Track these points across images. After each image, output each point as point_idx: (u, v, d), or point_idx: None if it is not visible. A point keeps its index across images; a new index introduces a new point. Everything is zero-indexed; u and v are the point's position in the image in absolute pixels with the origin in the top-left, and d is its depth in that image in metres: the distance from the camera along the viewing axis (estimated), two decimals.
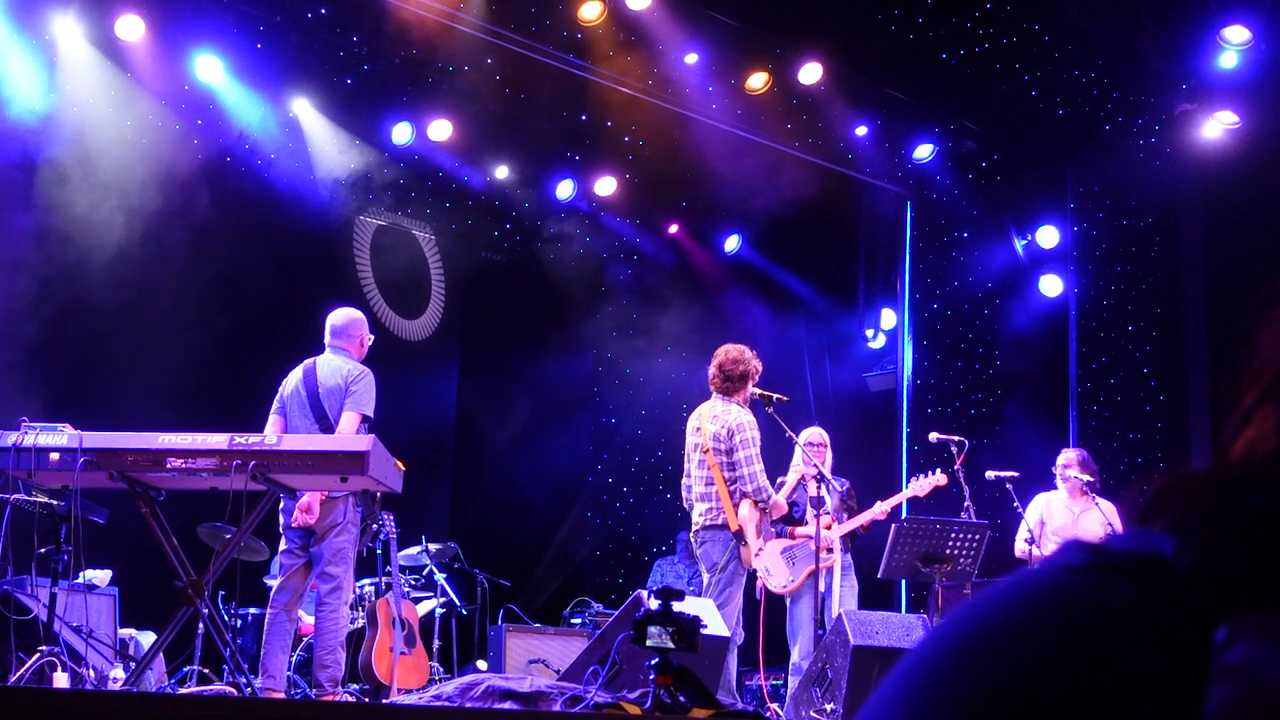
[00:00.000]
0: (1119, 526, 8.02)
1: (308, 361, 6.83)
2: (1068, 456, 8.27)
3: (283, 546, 6.68)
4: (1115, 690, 0.59)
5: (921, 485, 8.28)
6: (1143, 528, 0.66)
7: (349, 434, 6.37)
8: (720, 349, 7.46)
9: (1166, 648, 0.60)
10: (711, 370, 7.42)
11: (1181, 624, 0.61)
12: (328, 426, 6.56)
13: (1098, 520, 8.10)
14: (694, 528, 7.35)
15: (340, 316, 6.96)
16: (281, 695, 6.46)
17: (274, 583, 8.66)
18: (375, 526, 6.88)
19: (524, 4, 9.55)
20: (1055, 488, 8.24)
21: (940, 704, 0.63)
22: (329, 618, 6.53)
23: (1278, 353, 0.69)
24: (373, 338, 7.03)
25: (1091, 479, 8.10)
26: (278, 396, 6.83)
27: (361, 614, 7.67)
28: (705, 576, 7.25)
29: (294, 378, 6.79)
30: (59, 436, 5.39)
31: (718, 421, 7.25)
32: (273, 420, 6.73)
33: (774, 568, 7.94)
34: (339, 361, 6.75)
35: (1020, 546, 8.18)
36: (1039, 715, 0.60)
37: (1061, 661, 0.61)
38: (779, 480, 8.06)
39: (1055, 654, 0.61)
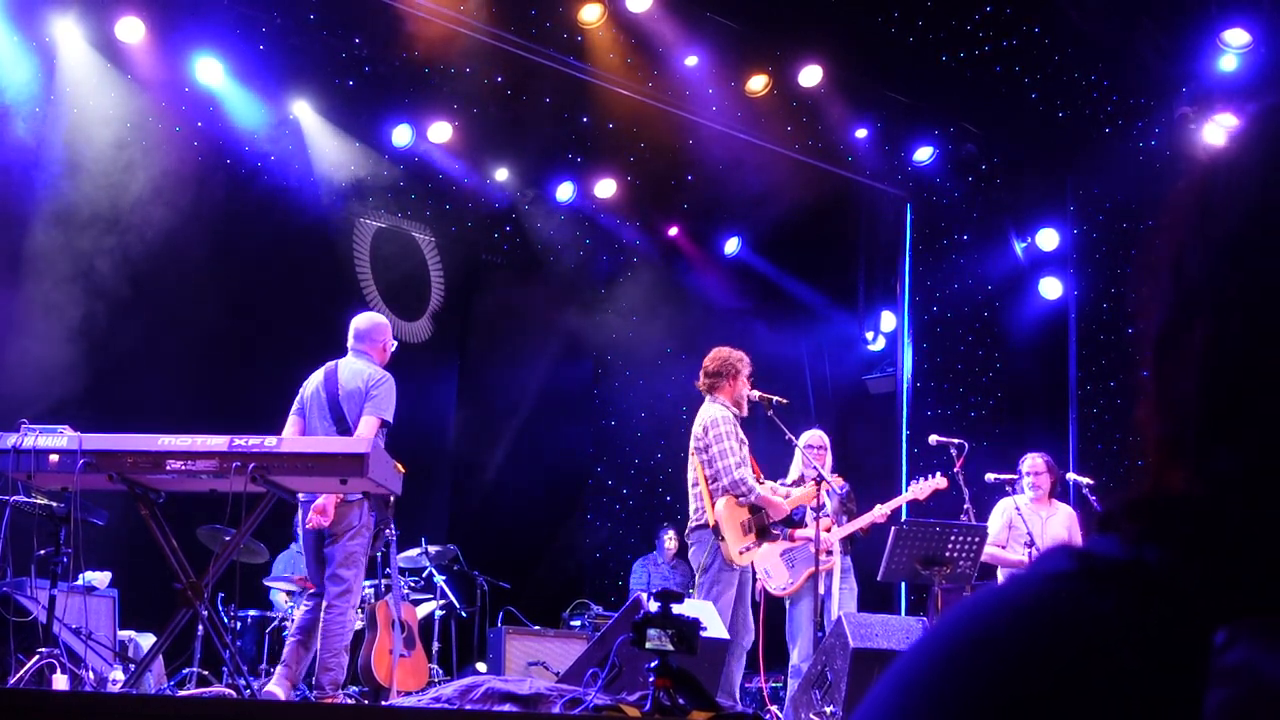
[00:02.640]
0: (1077, 532, 8.06)
1: (330, 364, 6.82)
2: (1035, 463, 8.27)
3: (295, 549, 6.71)
4: (1102, 693, 0.60)
5: (921, 488, 8.27)
6: (1127, 534, 0.67)
7: (367, 438, 6.32)
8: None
9: (1153, 652, 0.61)
10: (700, 374, 7.48)
11: (1168, 628, 0.61)
12: (345, 429, 6.53)
13: (1062, 524, 8.12)
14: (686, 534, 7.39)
15: (365, 320, 6.97)
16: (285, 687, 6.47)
17: (274, 584, 8.68)
18: (387, 532, 6.88)
19: (524, 6, 9.56)
20: (1018, 492, 8.23)
21: (931, 706, 0.63)
22: (335, 620, 6.53)
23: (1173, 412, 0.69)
24: (395, 344, 6.99)
25: (1053, 483, 8.16)
26: (298, 398, 6.82)
27: (361, 616, 7.67)
28: (697, 578, 7.26)
29: (315, 380, 6.78)
30: (58, 438, 5.38)
31: (698, 420, 7.30)
32: (292, 421, 6.73)
33: (773, 570, 7.93)
34: (360, 365, 6.74)
35: (990, 551, 8.09)
36: (1027, 717, 0.60)
37: (1049, 665, 0.61)
38: (780, 480, 8.05)
39: (1042, 658, 0.62)
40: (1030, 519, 8.03)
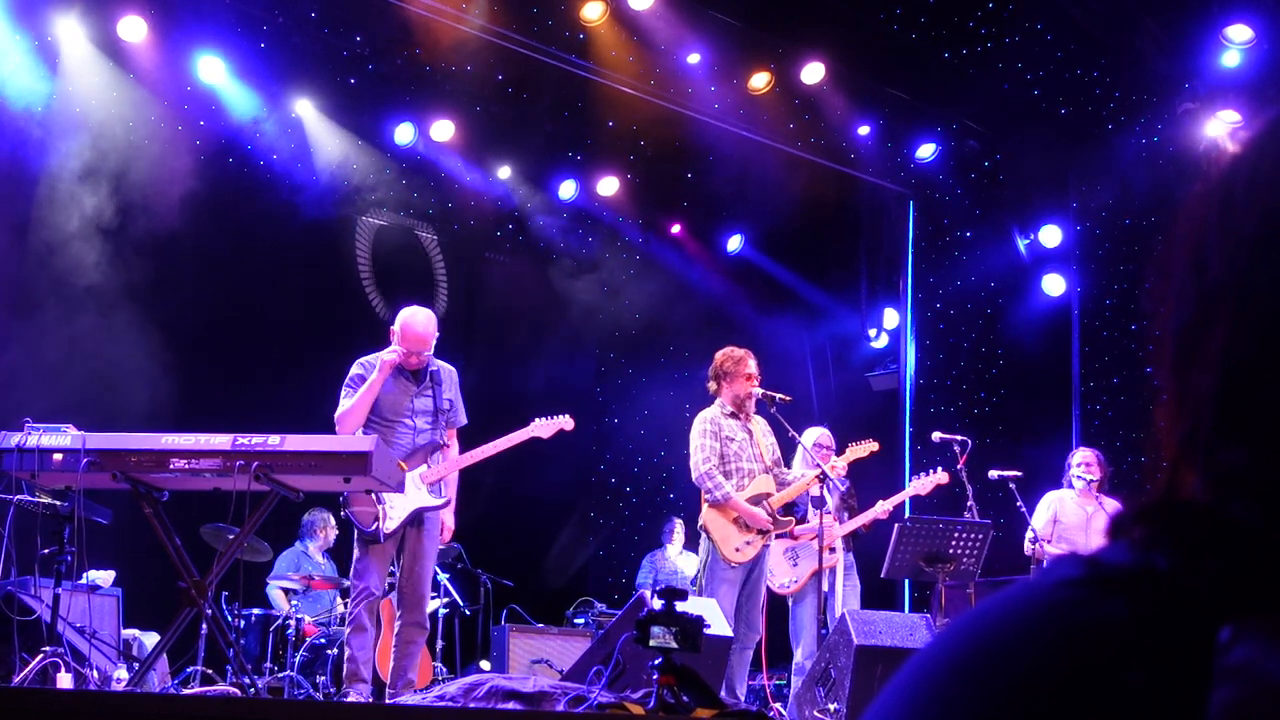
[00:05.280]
0: None
1: None
2: (1085, 456, 8.22)
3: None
4: (1111, 703, 0.60)
5: (923, 484, 8.28)
6: (1136, 539, 0.67)
7: (345, 435, 6.43)
8: None
9: (1162, 662, 0.60)
10: None
11: (1178, 638, 0.61)
12: None
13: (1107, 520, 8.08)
14: None
15: None
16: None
17: (275, 582, 8.68)
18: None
19: (526, 4, 9.55)
20: (1062, 486, 8.22)
21: (940, 714, 0.63)
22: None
23: (1191, 409, 0.69)
24: (400, 334, 6.64)
25: (1102, 478, 8.10)
26: None
27: None
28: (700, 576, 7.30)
29: None
30: (62, 437, 5.39)
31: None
32: None
33: (776, 568, 7.93)
34: None
35: (1030, 546, 8.14)
36: None
37: (1056, 675, 0.61)
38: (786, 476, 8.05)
39: (1052, 669, 0.62)
40: (1073, 513, 8.03)
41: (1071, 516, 8.05)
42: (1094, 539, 7.86)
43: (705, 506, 7.22)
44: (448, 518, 6.81)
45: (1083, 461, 8.15)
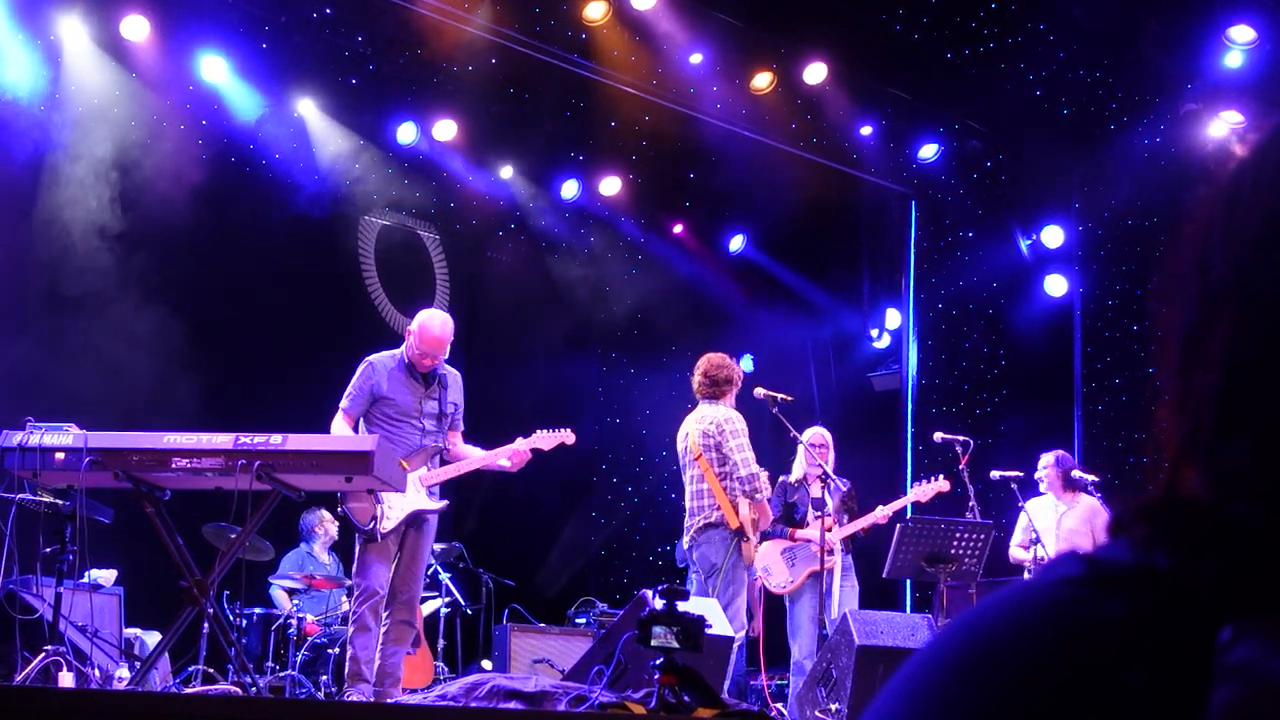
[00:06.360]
0: (1098, 524, 8.07)
1: None
2: (1045, 460, 8.36)
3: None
4: (1112, 704, 0.60)
5: (923, 491, 8.29)
6: (1137, 538, 0.66)
7: (344, 433, 6.44)
8: (701, 359, 7.50)
9: (1163, 662, 0.60)
10: (696, 379, 7.45)
11: (1179, 637, 0.61)
12: None
13: (1079, 518, 8.14)
14: (686, 537, 7.34)
15: None
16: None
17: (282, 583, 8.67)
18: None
19: (529, 4, 9.56)
20: (1039, 493, 8.33)
21: (940, 713, 0.63)
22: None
23: (1192, 409, 0.69)
24: (416, 334, 6.73)
25: (1070, 475, 8.20)
26: None
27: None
28: (695, 579, 7.20)
29: None
30: (64, 436, 5.39)
31: (705, 420, 7.29)
32: None
33: (773, 568, 7.95)
34: None
35: (1015, 553, 8.24)
36: None
37: (1058, 676, 0.61)
38: (784, 476, 8.06)
39: (1052, 668, 0.61)
40: (1045, 514, 8.10)
41: (1042, 519, 8.12)
42: (1065, 537, 7.95)
43: (745, 505, 7.09)
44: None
45: (1043, 465, 8.32)
